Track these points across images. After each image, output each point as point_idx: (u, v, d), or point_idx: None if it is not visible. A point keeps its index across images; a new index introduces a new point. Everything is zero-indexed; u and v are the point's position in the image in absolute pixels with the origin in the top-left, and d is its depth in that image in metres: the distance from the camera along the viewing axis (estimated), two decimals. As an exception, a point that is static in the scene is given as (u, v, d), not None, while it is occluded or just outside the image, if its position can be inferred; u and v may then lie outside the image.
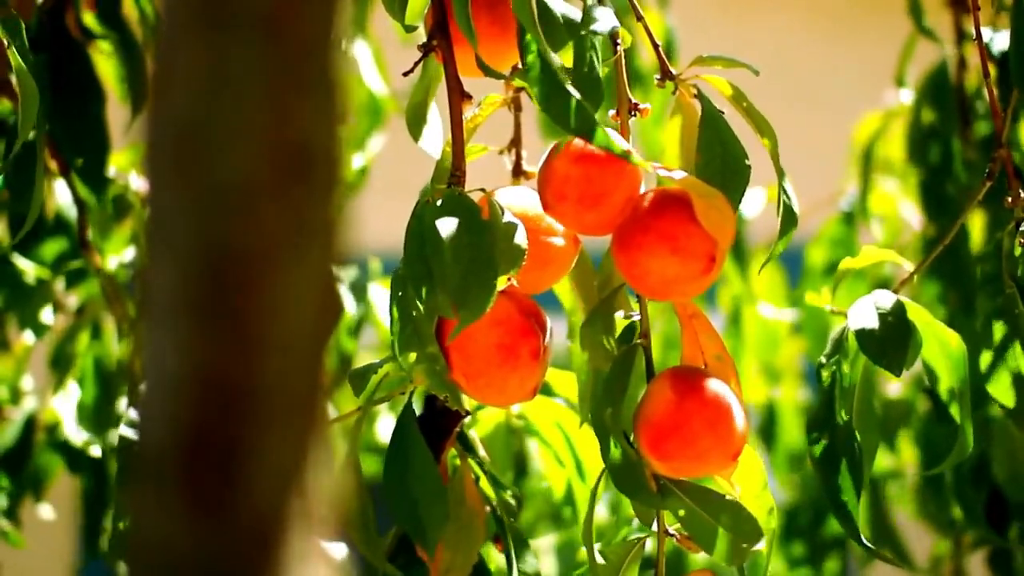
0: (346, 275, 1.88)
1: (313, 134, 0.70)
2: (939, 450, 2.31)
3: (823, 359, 1.41)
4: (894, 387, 2.47)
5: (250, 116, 0.69)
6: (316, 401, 0.71)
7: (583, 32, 1.23)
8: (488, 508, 1.39)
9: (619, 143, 1.21)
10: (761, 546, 1.29)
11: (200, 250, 0.69)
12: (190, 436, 0.68)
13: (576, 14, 1.24)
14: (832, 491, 1.39)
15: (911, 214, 2.49)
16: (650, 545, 1.36)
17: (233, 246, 0.69)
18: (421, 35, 1.39)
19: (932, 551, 2.63)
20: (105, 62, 1.77)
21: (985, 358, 1.43)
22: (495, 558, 1.43)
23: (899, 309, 1.39)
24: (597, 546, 1.36)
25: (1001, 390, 1.43)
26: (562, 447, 1.60)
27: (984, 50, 1.48)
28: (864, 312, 1.39)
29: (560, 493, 1.65)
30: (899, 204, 2.51)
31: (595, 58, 1.24)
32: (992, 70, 1.60)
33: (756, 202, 2.48)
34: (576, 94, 1.20)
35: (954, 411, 1.40)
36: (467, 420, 1.41)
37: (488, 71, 1.30)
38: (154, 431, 0.69)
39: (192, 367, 0.69)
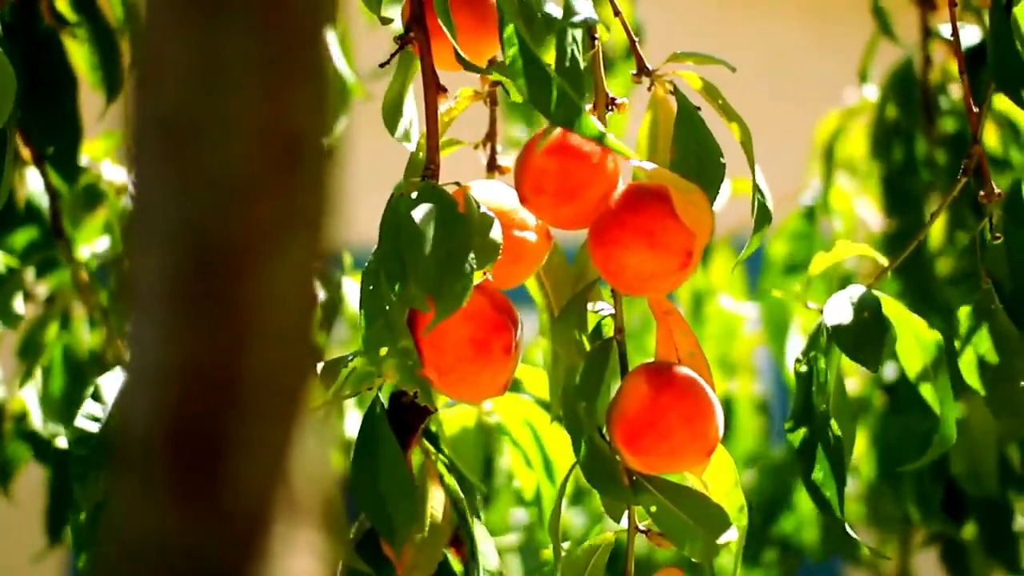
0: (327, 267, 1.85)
1: (304, 124, 0.70)
2: (896, 447, 2.32)
3: (800, 355, 1.41)
4: (850, 384, 2.48)
5: (240, 106, 0.68)
6: (302, 392, 0.70)
7: (564, 25, 1.23)
8: (452, 506, 1.39)
9: (607, 135, 1.21)
10: (732, 537, 1.29)
11: (187, 240, 0.68)
12: (175, 427, 0.68)
13: (555, 10, 1.23)
14: (812, 480, 1.40)
15: (867, 212, 2.49)
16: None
17: (220, 236, 0.68)
18: (385, 24, 1.38)
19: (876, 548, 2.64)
20: (78, 49, 1.75)
21: (960, 351, 1.44)
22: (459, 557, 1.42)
23: (874, 304, 1.39)
24: (565, 544, 1.35)
25: (975, 381, 1.44)
26: (531, 446, 1.60)
27: (959, 49, 1.49)
28: (840, 308, 1.39)
29: (530, 493, 1.64)
30: (856, 202, 2.52)
31: (577, 51, 1.23)
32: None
33: (721, 195, 2.47)
34: (561, 83, 1.19)
35: (933, 403, 1.41)
36: (433, 416, 1.40)
37: (467, 64, 1.29)
38: (139, 422, 0.68)
39: (177, 357, 0.68)
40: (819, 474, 1.40)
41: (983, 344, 1.42)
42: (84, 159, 1.85)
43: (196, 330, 0.68)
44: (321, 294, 0.72)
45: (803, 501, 2.61)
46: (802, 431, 1.40)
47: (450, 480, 1.38)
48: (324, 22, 0.70)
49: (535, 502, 1.63)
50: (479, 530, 1.38)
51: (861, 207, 2.50)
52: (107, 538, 0.69)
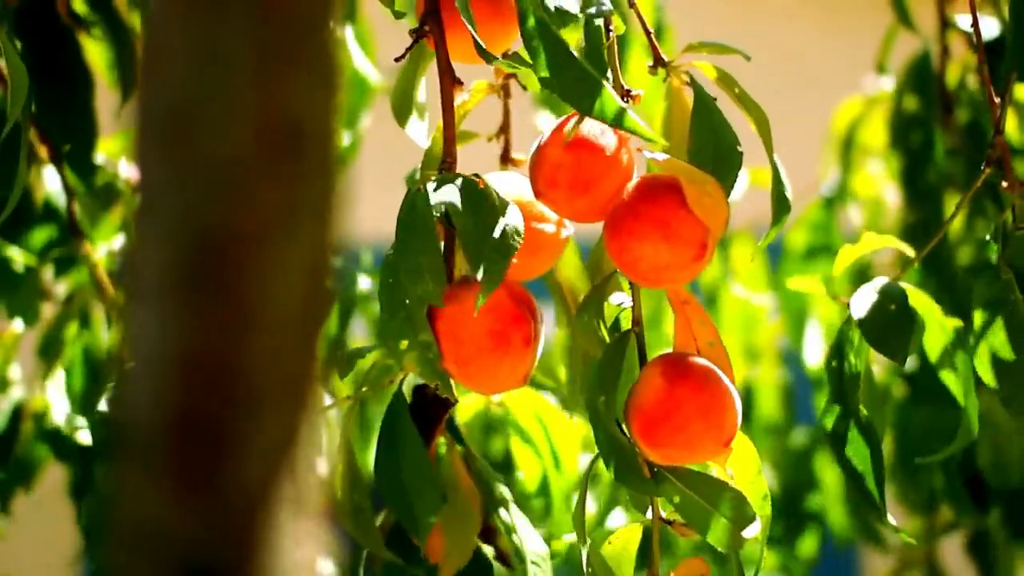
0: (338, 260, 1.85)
1: (305, 112, 0.70)
2: (918, 436, 2.31)
3: (830, 350, 1.41)
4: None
5: (241, 94, 0.68)
6: (306, 382, 0.70)
7: (583, 15, 1.22)
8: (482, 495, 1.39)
9: (638, 121, 1.21)
10: (756, 530, 1.29)
11: (190, 229, 0.68)
12: (178, 417, 0.68)
13: (570, 3, 1.23)
14: (847, 464, 1.39)
15: (894, 197, 2.48)
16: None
17: (223, 225, 0.68)
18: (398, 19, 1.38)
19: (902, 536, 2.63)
20: (94, 47, 1.75)
21: (975, 344, 1.44)
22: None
23: (901, 296, 1.39)
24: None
25: (988, 376, 1.43)
26: (540, 438, 1.59)
27: (980, 39, 1.48)
28: (866, 301, 1.39)
29: (534, 486, 1.64)
30: (882, 187, 2.51)
31: (602, 39, 1.23)
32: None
33: (738, 185, 2.45)
34: (583, 63, 1.19)
35: (958, 395, 1.40)
36: (454, 408, 1.40)
37: (487, 56, 1.29)
38: (142, 412, 0.68)
39: (181, 347, 0.68)
40: (853, 453, 1.39)
41: (998, 337, 1.42)
42: (100, 157, 1.85)
43: (198, 319, 0.68)
44: (331, 285, 0.72)
45: (827, 487, 2.61)
46: (835, 413, 1.39)
47: (477, 470, 1.38)
48: (326, 9, 0.70)
49: (541, 493, 1.62)
50: (517, 515, 1.38)
51: (889, 194, 2.48)
52: (110, 528, 0.69)
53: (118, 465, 0.69)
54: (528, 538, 1.38)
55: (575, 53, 1.19)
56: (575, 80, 1.19)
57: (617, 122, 1.19)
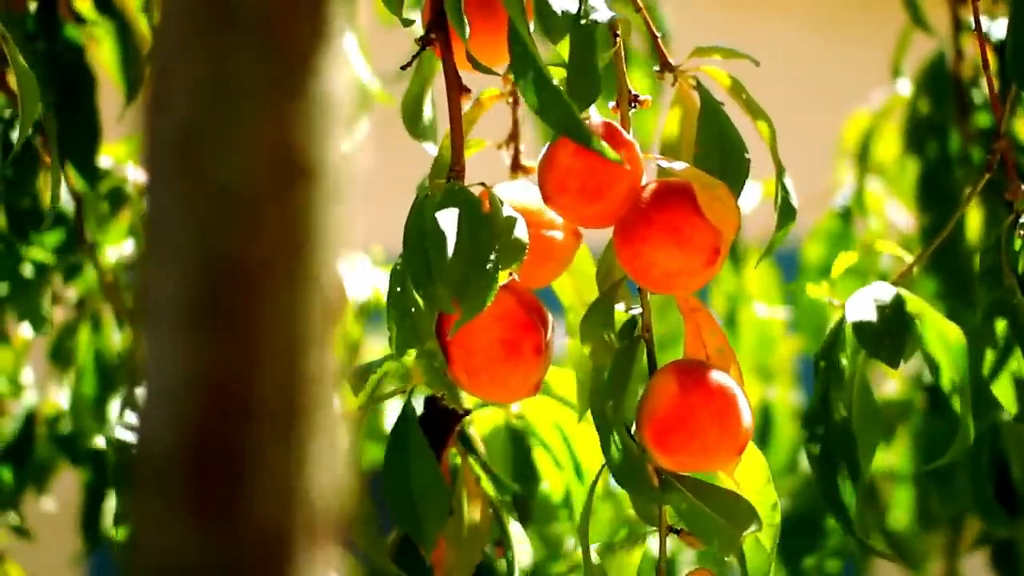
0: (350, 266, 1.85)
1: (314, 139, 0.70)
2: (938, 448, 2.29)
3: (820, 352, 1.40)
4: (890, 386, 2.45)
5: (250, 121, 0.69)
6: (320, 407, 0.70)
7: (579, 22, 1.22)
8: (491, 508, 1.38)
9: (606, 144, 1.21)
10: (755, 529, 1.27)
11: (201, 256, 0.69)
12: (193, 444, 0.68)
13: (573, 6, 1.23)
14: (829, 488, 1.39)
15: (897, 214, 2.47)
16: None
17: (234, 252, 0.69)
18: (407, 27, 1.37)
19: (922, 551, 2.62)
20: (98, 48, 1.75)
21: (988, 357, 1.43)
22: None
23: (897, 301, 1.39)
24: (594, 547, 1.34)
25: (1003, 391, 1.42)
26: (561, 448, 1.59)
27: (983, 42, 1.47)
28: (862, 305, 1.39)
29: (559, 496, 1.63)
30: (886, 204, 2.50)
31: (592, 48, 1.22)
32: (992, 61, 1.58)
33: (751, 197, 2.43)
34: (563, 93, 1.19)
35: (955, 403, 1.40)
36: (467, 419, 1.40)
37: (479, 67, 1.29)
38: (156, 439, 0.69)
39: (194, 374, 0.68)
40: (836, 479, 1.38)
41: (1008, 350, 1.41)
42: (108, 161, 1.85)
43: (212, 347, 0.68)
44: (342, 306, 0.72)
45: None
46: (820, 434, 1.39)
47: (487, 483, 1.38)
48: (332, 37, 0.71)
49: (564, 504, 1.62)
50: (515, 529, 1.38)
51: (891, 210, 2.47)
52: (128, 555, 0.70)
53: (135, 494, 0.69)
54: (523, 554, 1.37)
55: (549, 74, 1.19)
56: (553, 107, 1.19)
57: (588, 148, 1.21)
